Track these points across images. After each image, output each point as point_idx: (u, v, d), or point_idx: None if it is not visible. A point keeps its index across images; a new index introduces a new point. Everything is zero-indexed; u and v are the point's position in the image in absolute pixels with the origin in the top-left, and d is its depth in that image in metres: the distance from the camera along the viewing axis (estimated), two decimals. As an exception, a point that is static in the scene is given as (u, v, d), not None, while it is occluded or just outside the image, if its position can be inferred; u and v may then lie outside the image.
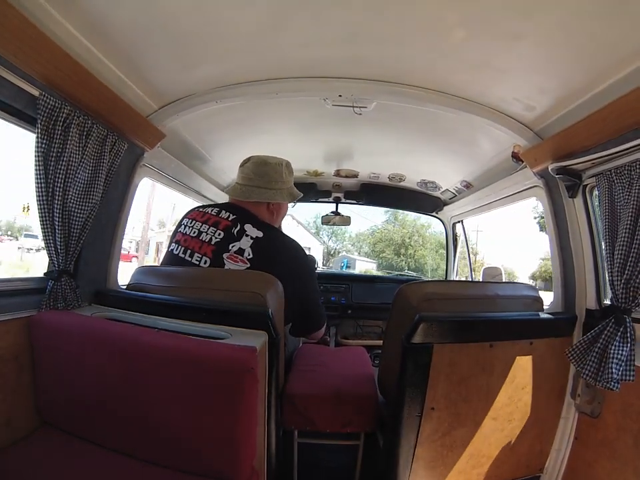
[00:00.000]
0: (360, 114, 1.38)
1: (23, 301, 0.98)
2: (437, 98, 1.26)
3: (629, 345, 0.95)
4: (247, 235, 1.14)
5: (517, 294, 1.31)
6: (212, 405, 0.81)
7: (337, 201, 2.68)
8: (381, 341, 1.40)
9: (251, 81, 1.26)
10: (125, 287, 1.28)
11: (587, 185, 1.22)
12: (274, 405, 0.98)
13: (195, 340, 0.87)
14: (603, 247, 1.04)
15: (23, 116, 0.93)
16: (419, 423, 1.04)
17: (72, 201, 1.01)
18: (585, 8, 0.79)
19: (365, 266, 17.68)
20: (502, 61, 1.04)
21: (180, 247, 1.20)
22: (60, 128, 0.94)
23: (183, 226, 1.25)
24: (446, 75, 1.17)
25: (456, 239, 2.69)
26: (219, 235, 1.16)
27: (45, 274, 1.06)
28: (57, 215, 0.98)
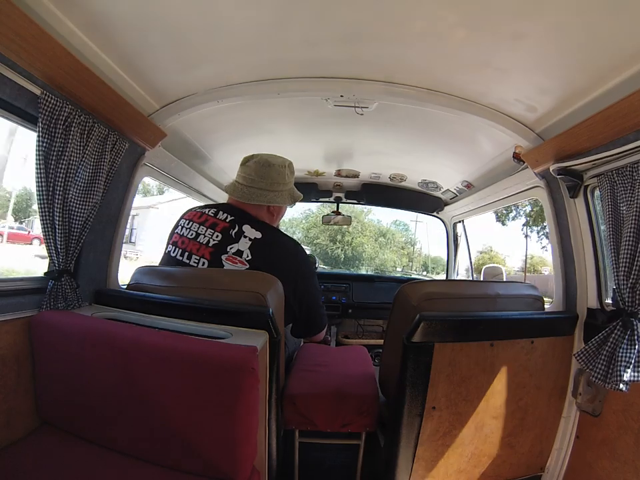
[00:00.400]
0: (361, 114, 1.38)
1: (23, 301, 0.98)
2: (438, 98, 1.26)
3: (636, 347, 0.96)
4: (245, 236, 1.14)
5: (518, 293, 1.31)
6: (212, 404, 0.81)
7: (338, 201, 2.68)
8: (382, 340, 1.40)
9: (253, 81, 1.26)
10: (125, 286, 1.28)
11: (588, 185, 1.22)
12: (274, 404, 0.98)
13: (195, 340, 0.87)
14: (606, 250, 1.04)
15: (25, 115, 0.93)
16: (419, 423, 1.04)
17: (72, 200, 1.01)
18: (586, 8, 0.79)
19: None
20: (503, 61, 1.04)
21: (177, 248, 1.20)
22: (61, 127, 0.94)
23: (180, 227, 1.23)
24: (447, 75, 1.17)
25: (456, 239, 2.69)
26: (217, 236, 1.15)
27: (45, 273, 1.05)
28: (58, 214, 0.98)
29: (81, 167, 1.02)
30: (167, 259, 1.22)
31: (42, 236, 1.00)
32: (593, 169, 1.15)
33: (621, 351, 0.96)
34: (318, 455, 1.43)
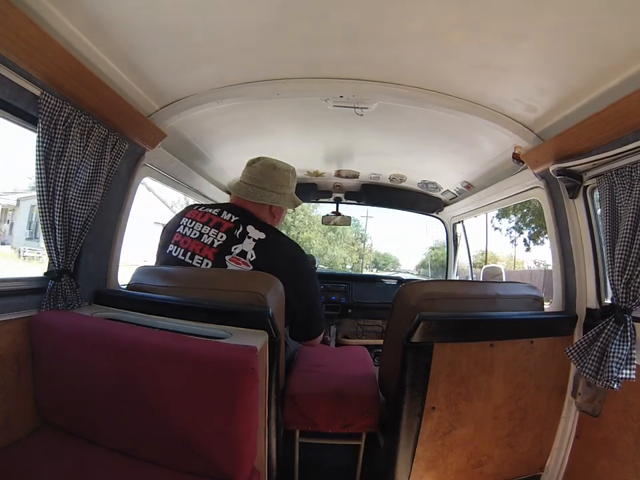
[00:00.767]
0: (361, 115, 1.38)
1: (23, 301, 0.98)
2: (438, 99, 1.26)
3: (629, 343, 0.95)
4: (249, 237, 1.14)
5: (518, 293, 1.32)
6: (212, 404, 0.81)
7: (338, 201, 2.68)
8: (382, 340, 1.40)
9: (252, 81, 1.26)
10: (125, 286, 1.28)
11: (588, 186, 1.22)
12: (274, 404, 0.98)
13: (195, 340, 0.87)
14: (604, 247, 1.05)
15: (25, 115, 0.93)
16: (419, 423, 1.04)
17: (72, 200, 1.01)
18: (585, 8, 0.79)
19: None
20: (503, 62, 1.04)
21: (179, 248, 1.19)
22: (61, 127, 0.94)
23: (182, 226, 1.22)
24: (447, 75, 1.17)
25: (456, 239, 2.69)
26: (222, 237, 1.15)
27: (45, 274, 1.05)
28: (58, 214, 0.98)
29: (81, 167, 1.02)
30: (168, 259, 1.21)
31: (42, 236, 1.00)
32: (592, 169, 1.15)
33: (613, 347, 0.95)
34: (318, 455, 1.43)
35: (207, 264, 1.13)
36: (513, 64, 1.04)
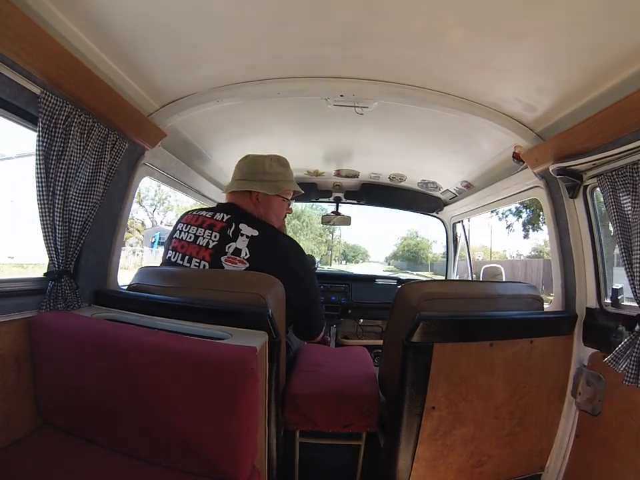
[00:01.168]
0: (361, 114, 1.38)
1: (23, 302, 0.98)
2: (437, 98, 1.26)
3: None
4: (242, 234, 1.14)
5: (517, 293, 1.32)
6: (212, 405, 0.81)
7: (338, 201, 2.68)
8: (382, 341, 1.40)
9: (252, 81, 1.26)
10: (125, 287, 1.28)
11: (588, 185, 1.22)
12: (274, 404, 0.98)
13: (195, 340, 0.87)
14: (618, 251, 1.03)
15: (25, 114, 0.92)
16: (419, 423, 1.04)
17: (72, 200, 1.01)
18: (585, 8, 0.79)
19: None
20: (502, 61, 1.04)
21: (177, 253, 1.20)
22: (61, 126, 0.94)
23: (178, 231, 1.24)
24: (447, 75, 1.17)
25: (456, 239, 2.69)
26: (215, 237, 1.15)
27: (45, 274, 1.05)
28: (58, 214, 0.97)
29: (80, 166, 1.02)
30: (167, 265, 1.22)
31: (42, 236, 0.99)
32: (592, 169, 1.15)
33: None
34: (318, 455, 1.43)
35: (204, 265, 1.14)
36: (512, 63, 1.04)
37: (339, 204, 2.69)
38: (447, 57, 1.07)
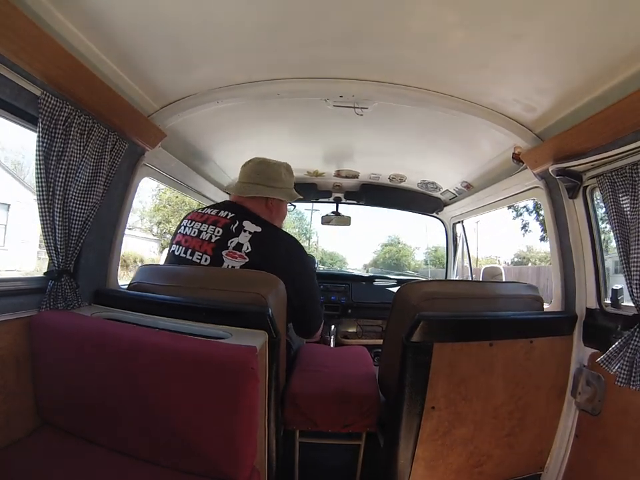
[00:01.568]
0: (361, 114, 1.39)
1: (23, 301, 0.98)
2: (437, 99, 1.26)
3: None
4: (245, 231, 1.16)
5: (517, 293, 1.32)
6: (212, 404, 0.81)
7: (337, 201, 2.68)
8: (382, 341, 1.40)
9: (252, 82, 1.26)
10: (125, 286, 1.28)
11: (588, 186, 1.23)
12: (274, 404, 0.98)
13: (194, 340, 0.87)
14: (617, 251, 1.03)
15: (25, 115, 0.93)
16: (419, 422, 1.04)
17: (72, 200, 1.01)
18: (585, 8, 0.79)
19: (132, 241, 11.49)
20: (502, 62, 1.04)
21: (181, 247, 1.22)
22: (61, 127, 0.94)
23: (182, 227, 1.27)
24: (446, 75, 1.17)
25: (456, 239, 2.69)
26: (218, 232, 1.17)
27: (45, 274, 1.05)
28: (58, 214, 0.98)
29: (80, 167, 1.02)
30: (171, 258, 1.26)
31: (42, 236, 0.99)
32: (592, 169, 1.15)
33: None
34: (318, 455, 1.43)
35: (206, 259, 1.16)
36: (512, 64, 1.04)
37: (339, 204, 2.70)
38: (446, 58, 1.07)
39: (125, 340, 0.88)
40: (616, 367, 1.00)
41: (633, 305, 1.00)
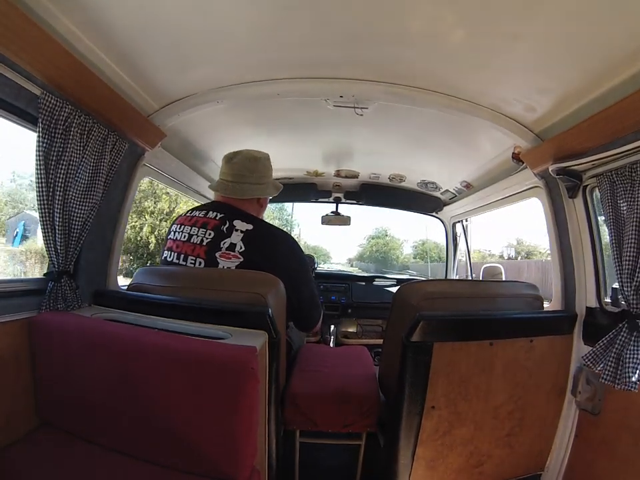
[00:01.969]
0: (361, 115, 1.39)
1: (23, 302, 0.98)
2: (437, 99, 1.26)
3: None
4: (236, 230, 1.14)
5: (517, 292, 1.32)
6: (212, 404, 0.81)
7: (337, 201, 2.68)
8: (382, 340, 1.40)
9: (252, 81, 1.26)
10: (125, 287, 1.28)
11: (587, 185, 1.23)
12: (274, 404, 0.98)
13: (194, 340, 0.87)
14: (610, 250, 1.04)
15: (25, 115, 0.93)
16: (419, 422, 1.04)
17: (72, 200, 1.01)
18: (585, 8, 0.79)
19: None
20: (502, 62, 1.04)
21: (172, 253, 1.20)
22: (61, 127, 0.94)
23: (172, 232, 1.24)
24: (446, 75, 1.17)
25: (456, 239, 2.69)
26: (210, 234, 1.15)
27: (44, 275, 1.05)
28: (57, 214, 0.98)
29: (80, 167, 1.02)
30: (165, 265, 1.23)
31: (42, 236, 0.99)
32: (592, 169, 1.15)
33: (628, 352, 0.96)
34: (318, 455, 1.43)
35: (200, 263, 1.14)
36: (512, 64, 1.04)
37: (339, 204, 2.70)
38: (446, 58, 1.07)
39: (125, 340, 0.88)
40: (600, 366, 1.01)
41: (612, 300, 1.01)
